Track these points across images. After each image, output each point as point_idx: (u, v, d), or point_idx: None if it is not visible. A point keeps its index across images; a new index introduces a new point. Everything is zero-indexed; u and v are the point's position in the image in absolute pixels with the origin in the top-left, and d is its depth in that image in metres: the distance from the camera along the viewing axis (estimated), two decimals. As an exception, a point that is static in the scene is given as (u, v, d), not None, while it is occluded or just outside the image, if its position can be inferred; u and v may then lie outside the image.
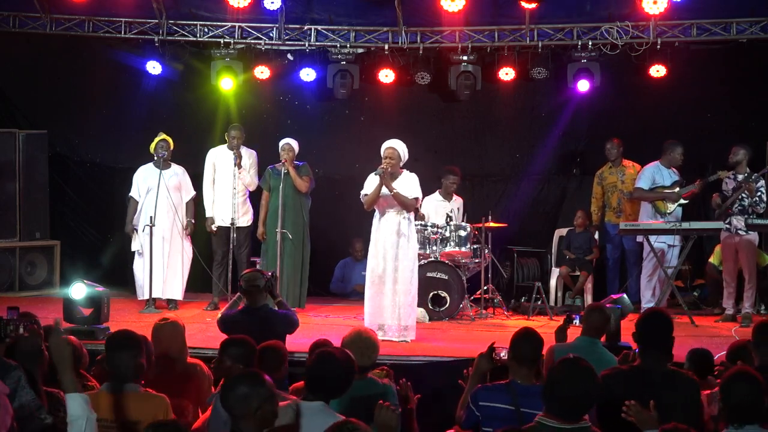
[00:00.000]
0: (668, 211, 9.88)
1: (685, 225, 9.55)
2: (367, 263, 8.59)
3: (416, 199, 8.47)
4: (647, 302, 9.75)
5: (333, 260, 11.78)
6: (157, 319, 5.84)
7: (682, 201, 9.91)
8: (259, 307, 6.65)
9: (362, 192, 8.47)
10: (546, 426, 3.93)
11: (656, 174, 10.00)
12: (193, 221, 10.16)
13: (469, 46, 11.17)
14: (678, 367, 5.05)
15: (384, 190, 8.31)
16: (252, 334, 5.93)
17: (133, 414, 4.45)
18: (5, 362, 4.39)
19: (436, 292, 9.77)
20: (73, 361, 4.25)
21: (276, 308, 6.91)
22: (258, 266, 8.79)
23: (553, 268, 11.30)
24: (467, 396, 4.85)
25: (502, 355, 5.05)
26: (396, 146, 8.39)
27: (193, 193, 10.24)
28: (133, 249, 10.06)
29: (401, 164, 8.44)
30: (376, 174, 8.31)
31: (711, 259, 10.54)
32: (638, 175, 10.20)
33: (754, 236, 9.62)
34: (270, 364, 5.10)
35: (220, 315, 6.97)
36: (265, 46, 11.37)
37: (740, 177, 9.65)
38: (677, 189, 9.90)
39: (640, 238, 10.04)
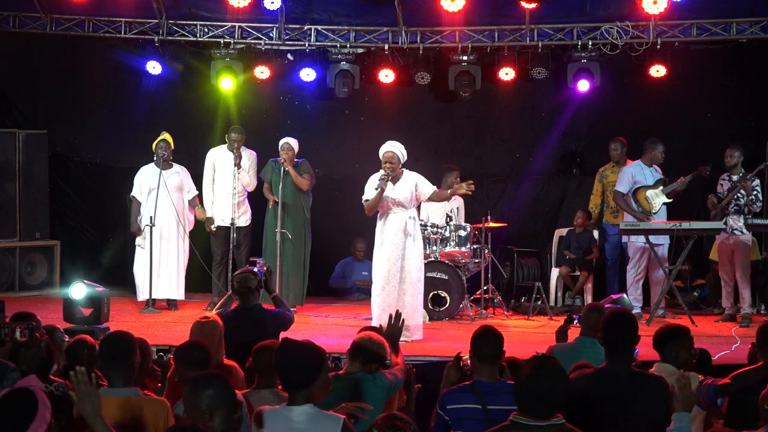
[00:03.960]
0: (654, 211, 9.86)
1: (685, 225, 9.55)
2: (372, 264, 8.57)
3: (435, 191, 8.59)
4: (635, 300, 9.77)
5: (333, 260, 11.78)
6: (199, 317, 5.83)
7: (666, 200, 9.89)
8: (251, 306, 6.67)
9: (363, 197, 8.46)
10: (519, 424, 3.96)
11: (638, 173, 9.97)
12: (205, 213, 10.17)
13: (469, 46, 11.17)
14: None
15: (385, 191, 8.30)
16: (244, 334, 5.94)
17: (133, 418, 4.43)
18: (4, 364, 4.39)
19: (436, 292, 9.77)
20: (101, 409, 4.12)
21: (272, 304, 6.94)
22: (258, 264, 8.78)
23: (553, 268, 11.30)
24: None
25: (469, 362, 5.06)
26: (394, 149, 8.37)
27: (195, 192, 10.24)
28: (138, 243, 10.07)
29: (401, 165, 8.44)
30: (377, 188, 8.27)
31: (711, 256, 10.55)
32: (618, 177, 10.17)
33: (748, 237, 9.65)
34: (265, 365, 5.09)
35: (213, 314, 7.01)
36: (265, 46, 11.37)
37: (735, 177, 9.66)
38: (661, 188, 9.89)
39: (625, 239, 10.03)
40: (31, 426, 3.83)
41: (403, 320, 5.62)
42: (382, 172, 8.32)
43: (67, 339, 5.84)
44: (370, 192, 8.38)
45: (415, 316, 8.41)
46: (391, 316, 5.55)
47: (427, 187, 8.48)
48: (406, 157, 8.46)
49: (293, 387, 4.27)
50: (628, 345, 4.75)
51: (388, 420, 3.78)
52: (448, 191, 8.67)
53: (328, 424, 4.18)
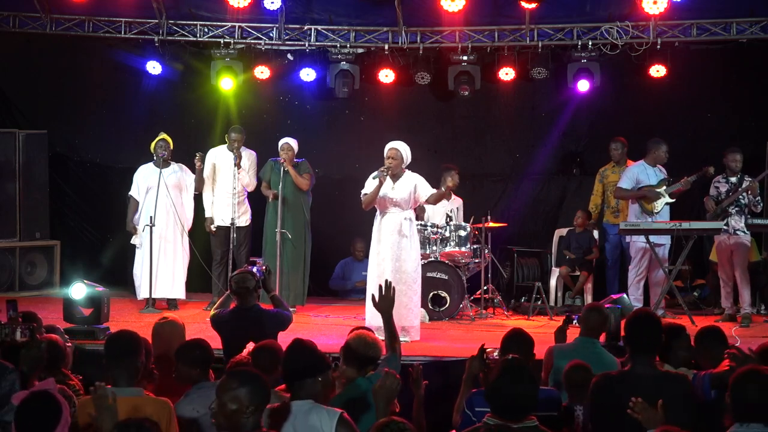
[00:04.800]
0: (656, 211, 9.86)
1: (686, 225, 9.55)
2: (368, 263, 8.59)
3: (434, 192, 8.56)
4: (635, 300, 9.77)
5: (333, 260, 11.78)
6: (158, 319, 5.84)
7: (669, 200, 9.90)
8: (249, 307, 6.68)
9: (362, 191, 8.47)
10: (492, 426, 3.99)
11: (641, 173, 9.97)
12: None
13: (469, 46, 11.17)
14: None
15: (384, 190, 8.31)
16: (242, 334, 5.94)
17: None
18: (2, 364, 4.39)
19: (436, 292, 9.78)
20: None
21: (271, 302, 6.97)
22: (258, 264, 8.80)
23: (553, 268, 11.30)
24: (462, 400, 4.88)
25: (494, 355, 5.06)
26: (399, 147, 8.39)
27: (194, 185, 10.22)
28: (132, 242, 10.07)
29: (404, 165, 8.44)
30: (374, 177, 8.30)
31: (711, 257, 10.55)
32: (622, 175, 10.18)
33: (747, 238, 9.66)
34: (264, 364, 5.09)
35: (211, 315, 7.02)
36: (265, 46, 11.37)
37: (733, 179, 9.66)
38: (665, 188, 9.89)
39: (628, 239, 10.04)
40: (56, 429, 3.86)
41: (394, 289, 5.51)
42: (380, 169, 8.34)
43: (67, 338, 5.86)
44: (369, 186, 8.39)
45: (410, 317, 8.39)
46: (381, 287, 5.45)
47: (426, 190, 8.46)
48: (410, 159, 8.46)
49: (298, 376, 4.33)
50: (653, 345, 4.75)
51: (387, 427, 3.81)
52: (441, 189, 8.58)
53: (326, 417, 4.24)
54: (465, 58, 11.20)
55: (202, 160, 10.07)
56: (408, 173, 8.47)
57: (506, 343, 4.93)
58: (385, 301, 5.41)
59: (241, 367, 4.62)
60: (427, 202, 8.67)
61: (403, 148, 8.41)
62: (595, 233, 11.09)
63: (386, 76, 11.44)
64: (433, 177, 10.50)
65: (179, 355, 5.17)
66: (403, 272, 8.36)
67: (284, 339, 6.43)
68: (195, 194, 10.26)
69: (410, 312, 8.39)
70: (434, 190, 8.53)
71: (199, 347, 5.17)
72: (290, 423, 4.25)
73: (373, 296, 5.48)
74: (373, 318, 8.27)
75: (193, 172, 10.21)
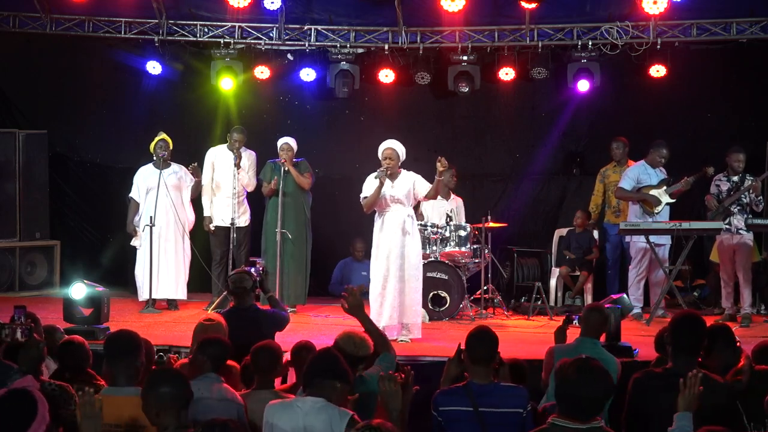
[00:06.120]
0: (656, 211, 9.86)
1: (686, 225, 9.54)
2: (370, 264, 8.59)
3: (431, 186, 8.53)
4: (635, 300, 9.76)
5: (333, 260, 11.77)
6: (202, 318, 5.84)
7: (670, 200, 9.90)
8: (247, 307, 6.68)
9: (362, 195, 8.48)
10: (559, 427, 3.93)
11: (642, 174, 9.98)
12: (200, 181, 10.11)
13: (469, 46, 11.17)
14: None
15: (384, 189, 8.32)
16: (240, 334, 5.94)
17: (134, 418, 4.43)
18: (5, 365, 4.40)
19: (436, 292, 9.77)
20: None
21: (268, 303, 6.98)
22: (258, 264, 8.81)
23: (553, 268, 11.29)
24: None
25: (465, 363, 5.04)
26: (394, 146, 8.43)
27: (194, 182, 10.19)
28: (132, 244, 10.07)
29: (399, 164, 8.46)
30: (376, 177, 8.32)
31: (711, 257, 10.55)
32: (622, 175, 10.18)
33: (750, 237, 9.65)
34: (264, 364, 5.09)
35: (216, 315, 7.00)
36: (265, 46, 11.37)
37: (735, 178, 9.66)
38: (665, 188, 9.89)
39: (628, 239, 10.04)
40: (31, 426, 3.85)
41: (361, 288, 5.52)
42: (379, 170, 8.35)
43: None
44: (368, 189, 8.42)
45: (412, 314, 8.41)
46: (347, 288, 5.44)
47: (424, 186, 8.50)
48: (404, 157, 8.49)
49: (320, 374, 4.39)
50: (696, 347, 4.85)
51: (370, 428, 3.82)
52: (435, 180, 8.51)
53: (337, 417, 4.30)
54: (465, 58, 11.20)
55: (197, 173, 10.03)
56: (404, 171, 8.52)
57: (470, 341, 4.86)
58: (354, 306, 5.38)
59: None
60: (426, 197, 8.68)
61: (399, 147, 8.47)
62: (595, 233, 11.09)
63: (386, 76, 11.44)
64: (433, 177, 10.52)
65: (201, 346, 5.16)
66: (407, 269, 8.38)
67: (282, 339, 6.46)
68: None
69: (412, 309, 8.41)
70: (430, 185, 8.55)
71: (218, 345, 5.16)
72: (301, 418, 4.31)
73: (342, 303, 5.43)
74: (379, 315, 8.27)
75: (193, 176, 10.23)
